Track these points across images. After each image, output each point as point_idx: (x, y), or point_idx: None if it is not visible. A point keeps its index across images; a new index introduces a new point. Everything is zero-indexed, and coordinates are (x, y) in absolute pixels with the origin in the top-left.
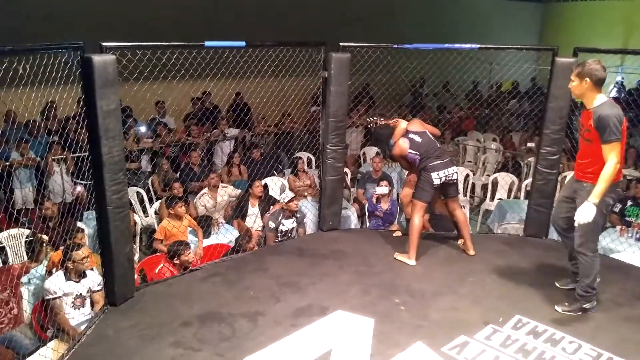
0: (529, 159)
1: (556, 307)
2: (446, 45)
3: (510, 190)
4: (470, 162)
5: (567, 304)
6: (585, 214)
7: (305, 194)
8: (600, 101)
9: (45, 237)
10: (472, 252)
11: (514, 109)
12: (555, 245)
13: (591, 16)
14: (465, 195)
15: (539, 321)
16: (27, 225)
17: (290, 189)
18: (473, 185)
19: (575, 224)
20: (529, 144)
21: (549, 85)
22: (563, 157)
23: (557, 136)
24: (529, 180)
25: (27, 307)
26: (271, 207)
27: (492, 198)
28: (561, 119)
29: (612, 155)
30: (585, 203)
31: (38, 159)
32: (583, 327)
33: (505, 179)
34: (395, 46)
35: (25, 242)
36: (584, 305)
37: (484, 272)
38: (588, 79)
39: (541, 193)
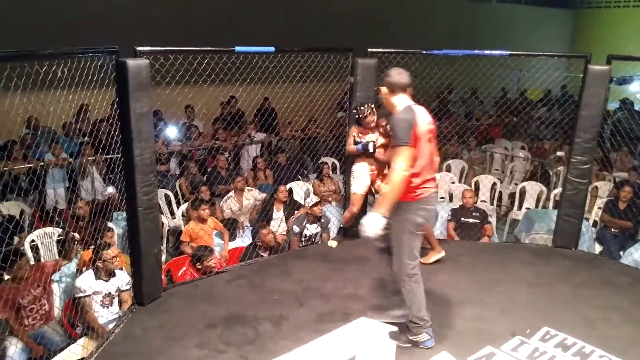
0: (559, 168)
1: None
2: (476, 51)
3: (538, 200)
4: (497, 170)
5: (399, 331)
6: (367, 224)
7: (330, 199)
8: (400, 107)
9: (76, 235)
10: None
11: (544, 117)
12: (585, 256)
13: (625, 23)
14: (492, 203)
15: (568, 334)
16: (60, 224)
17: (315, 194)
18: (500, 193)
19: (362, 237)
20: (559, 153)
21: (580, 93)
22: (594, 166)
23: (589, 145)
24: (558, 190)
25: (58, 304)
26: (296, 211)
27: (520, 207)
28: (593, 127)
29: (399, 160)
30: (370, 213)
31: (71, 159)
32: (614, 341)
33: (534, 188)
34: (424, 52)
35: (57, 240)
36: (412, 338)
37: (511, 282)
38: (385, 87)
39: (571, 203)
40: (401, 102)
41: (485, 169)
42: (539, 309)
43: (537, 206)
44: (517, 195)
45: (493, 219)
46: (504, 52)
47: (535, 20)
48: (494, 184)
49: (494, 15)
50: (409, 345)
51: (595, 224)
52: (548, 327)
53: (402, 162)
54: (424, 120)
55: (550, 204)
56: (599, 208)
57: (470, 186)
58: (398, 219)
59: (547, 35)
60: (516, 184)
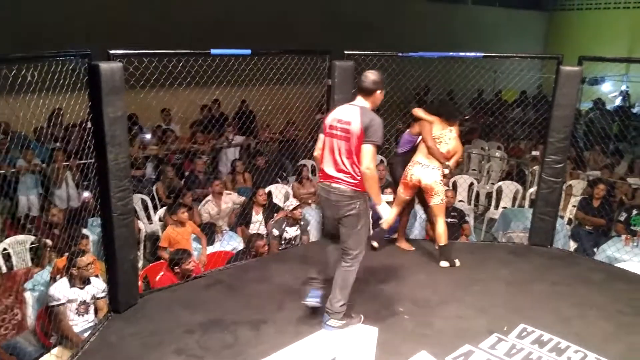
0: (534, 168)
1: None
2: (451, 53)
3: (514, 199)
4: (474, 170)
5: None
6: None
7: (310, 201)
8: None
9: (48, 242)
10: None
11: (518, 117)
12: (560, 254)
13: (597, 25)
14: (469, 203)
15: (544, 330)
16: (33, 231)
17: (295, 197)
18: (477, 193)
19: None
20: (534, 152)
21: (553, 93)
22: (568, 165)
23: (562, 145)
24: (533, 189)
25: (31, 313)
26: (275, 214)
27: (497, 206)
28: (566, 127)
29: None
30: None
31: (44, 165)
32: (589, 336)
33: (509, 187)
34: (400, 54)
35: (30, 248)
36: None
37: (488, 281)
38: None
39: (546, 202)
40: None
41: (462, 169)
42: (516, 306)
43: (513, 205)
44: (494, 195)
45: (471, 219)
46: (478, 54)
47: (509, 22)
48: (471, 183)
49: (469, 17)
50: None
51: (570, 221)
52: (525, 324)
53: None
54: (333, 116)
55: (526, 202)
56: (574, 206)
57: (448, 186)
58: None
59: (521, 36)
60: (493, 184)
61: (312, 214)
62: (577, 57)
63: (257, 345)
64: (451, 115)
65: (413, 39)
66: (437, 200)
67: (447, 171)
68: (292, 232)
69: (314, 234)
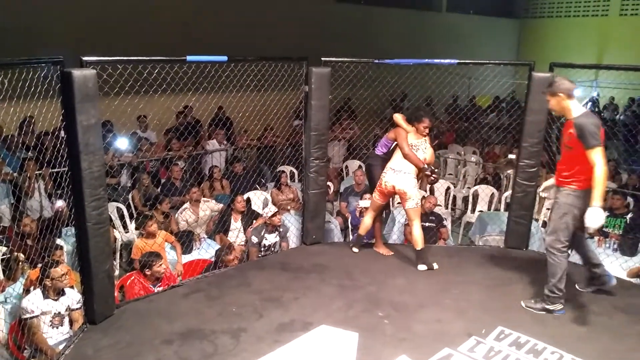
0: (509, 172)
1: (522, 301)
2: (426, 60)
3: (490, 202)
4: (451, 174)
5: (533, 301)
6: (593, 218)
7: (289, 207)
8: (578, 112)
9: (21, 255)
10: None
11: (493, 122)
12: (535, 256)
13: (567, 32)
14: (446, 207)
15: (521, 332)
16: (4, 242)
17: (273, 203)
18: (454, 197)
19: (590, 230)
20: (510, 156)
21: (526, 99)
22: (541, 169)
23: (535, 149)
24: (508, 193)
25: (3, 326)
26: (254, 221)
27: (473, 210)
28: (539, 132)
29: (598, 159)
30: (590, 209)
31: (15, 174)
32: (564, 337)
33: (485, 191)
34: (376, 61)
35: (2, 259)
36: (547, 307)
37: (466, 284)
38: (562, 94)
39: (520, 205)
40: (577, 107)
41: (439, 174)
42: (494, 309)
43: (489, 209)
44: (470, 199)
45: (448, 222)
46: (452, 61)
47: (483, 30)
48: (448, 188)
49: (444, 25)
50: (543, 312)
51: (544, 224)
52: (502, 326)
53: (601, 160)
54: None
55: (502, 206)
56: (548, 209)
57: (426, 191)
58: (569, 204)
59: (495, 44)
60: (469, 188)
61: (291, 221)
62: (548, 64)
63: (237, 354)
64: (411, 115)
65: (389, 46)
66: (412, 205)
67: (429, 172)
68: (271, 238)
69: (293, 241)
